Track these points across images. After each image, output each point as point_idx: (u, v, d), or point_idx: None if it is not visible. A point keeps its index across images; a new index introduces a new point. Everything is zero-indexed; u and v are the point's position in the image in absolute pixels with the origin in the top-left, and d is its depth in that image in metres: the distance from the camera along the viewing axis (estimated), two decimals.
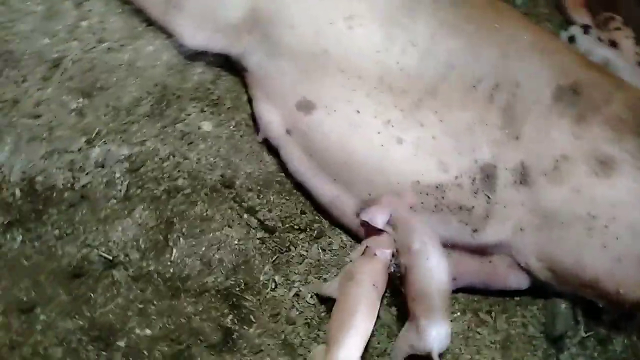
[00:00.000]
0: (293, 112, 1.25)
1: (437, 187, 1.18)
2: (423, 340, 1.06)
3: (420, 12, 1.25)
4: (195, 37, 1.38)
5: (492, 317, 1.28)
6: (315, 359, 1.10)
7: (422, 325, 1.06)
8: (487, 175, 1.19)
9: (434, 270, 1.10)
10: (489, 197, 1.19)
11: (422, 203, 1.18)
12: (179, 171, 1.31)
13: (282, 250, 1.25)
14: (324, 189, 1.26)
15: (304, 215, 1.32)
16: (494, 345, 1.24)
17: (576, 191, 1.16)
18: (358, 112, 1.21)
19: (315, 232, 1.30)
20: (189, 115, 1.41)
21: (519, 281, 1.29)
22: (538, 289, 1.31)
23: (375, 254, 1.14)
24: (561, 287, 1.26)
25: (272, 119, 1.30)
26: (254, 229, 1.27)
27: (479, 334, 1.27)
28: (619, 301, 1.17)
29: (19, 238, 1.14)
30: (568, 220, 1.17)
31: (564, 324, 1.29)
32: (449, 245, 1.22)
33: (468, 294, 1.29)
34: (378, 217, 1.16)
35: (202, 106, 1.43)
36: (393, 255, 1.15)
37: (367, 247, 1.15)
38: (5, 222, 1.15)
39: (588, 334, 1.25)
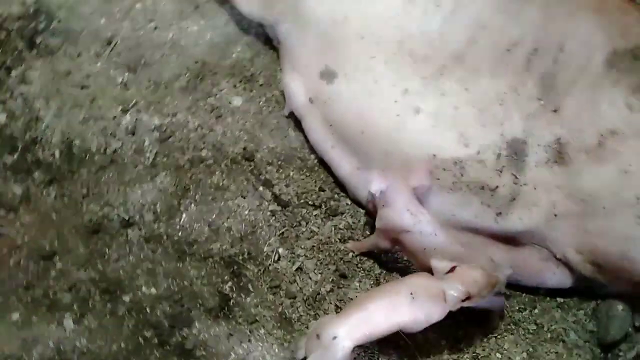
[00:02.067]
0: (316, 82, 1.22)
1: (455, 162, 1.06)
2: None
3: None
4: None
5: (521, 317, 1.14)
6: (320, 324, 1.04)
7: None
8: (515, 152, 1.04)
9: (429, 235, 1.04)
10: (516, 177, 1.04)
11: (438, 179, 1.08)
12: (204, 142, 1.34)
13: (292, 224, 1.22)
14: (343, 161, 1.21)
15: (322, 193, 1.28)
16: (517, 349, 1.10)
17: (624, 172, 0.99)
18: (376, 81, 1.14)
19: (332, 210, 1.25)
20: (222, 90, 1.44)
21: (559, 278, 1.13)
22: (588, 290, 1.14)
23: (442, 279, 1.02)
24: (611, 285, 1.09)
25: (297, 89, 1.28)
26: (267, 201, 1.26)
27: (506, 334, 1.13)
28: None
29: (53, 194, 1.25)
30: (613, 205, 1.00)
31: (619, 329, 1.10)
32: (471, 230, 1.10)
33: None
34: (374, 184, 1.08)
35: (235, 82, 1.46)
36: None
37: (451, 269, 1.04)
38: (46, 180, 1.27)
39: None
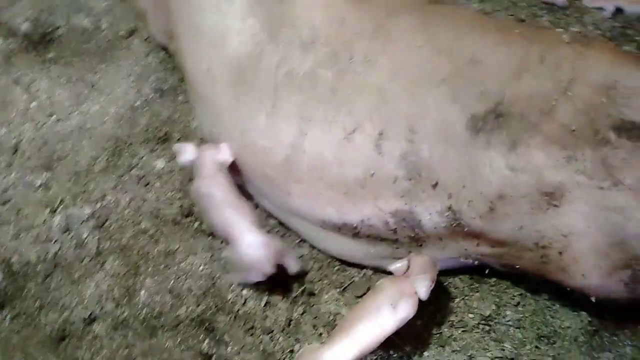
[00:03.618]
0: None
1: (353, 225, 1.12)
2: None
3: None
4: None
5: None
6: (304, 354, 1.08)
7: None
8: (404, 219, 1.07)
9: None
10: (416, 234, 1.08)
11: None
12: (140, 215, 1.35)
13: None
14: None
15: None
16: None
17: (519, 227, 1.00)
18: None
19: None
20: (142, 158, 1.45)
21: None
22: None
23: (407, 277, 1.07)
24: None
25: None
26: (218, 249, 1.28)
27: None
28: None
29: (8, 317, 1.23)
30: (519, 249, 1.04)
31: None
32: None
33: None
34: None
35: (153, 146, 1.46)
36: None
37: (408, 266, 1.09)
38: None
39: None
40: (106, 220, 1.35)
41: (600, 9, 1.72)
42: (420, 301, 1.04)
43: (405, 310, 1.03)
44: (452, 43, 1.04)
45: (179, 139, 1.47)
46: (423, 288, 1.05)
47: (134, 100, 1.55)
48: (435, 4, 1.14)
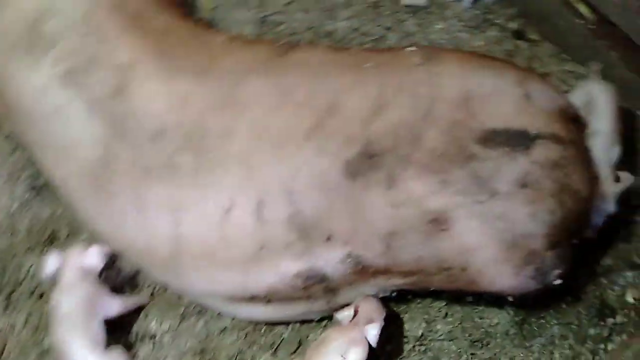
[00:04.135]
0: None
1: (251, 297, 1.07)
2: None
3: None
4: None
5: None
6: None
7: None
8: (308, 276, 1.03)
9: None
10: (327, 286, 1.05)
11: None
12: (41, 332, 1.22)
13: None
14: None
15: None
16: None
17: (418, 258, 1.00)
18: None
19: None
20: (31, 267, 1.32)
21: None
22: None
23: (354, 324, 1.03)
24: None
25: None
26: None
27: None
28: None
29: None
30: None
31: None
32: None
33: None
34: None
35: (40, 250, 1.34)
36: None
37: (354, 314, 1.05)
38: None
39: None
40: (3, 350, 1.22)
41: (459, 0, 1.80)
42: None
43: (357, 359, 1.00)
44: (308, 95, 1.02)
45: (67, 236, 1.36)
46: (373, 333, 1.02)
47: (8, 205, 1.42)
48: (286, 52, 1.10)
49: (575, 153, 1.00)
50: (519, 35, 1.70)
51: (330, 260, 1.01)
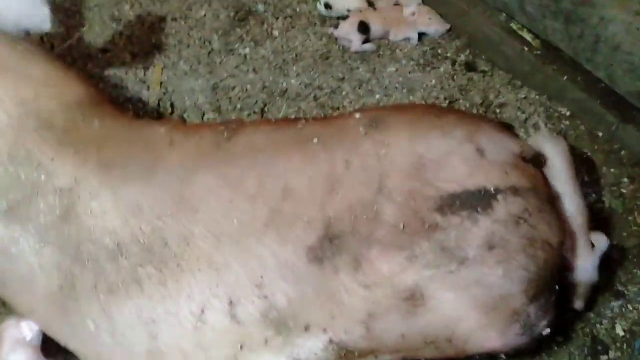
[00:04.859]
0: None
1: None
2: None
3: None
4: None
5: None
6: None
7: None
8: None
9: None
10: None
11: None
12: None
13: None
14: None
15: None
16: None
17: (401, 336, 0.96)
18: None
19: None
20: None
21: None
22: None
23: None
24: None
25: None
26: None
27: None
28: None
29: None
30: None
31: None
32: None
33: None
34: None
35: None
36: None
37: None
38: None
39: None
40: None
41: (407, 39, 1.80)
42: None
43: None
44: (259, 183, 0.99)
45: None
46: None
47: None
48: (230, 138, 1.07)
49: (538, 200, 0.98)
50: (470, 67, 1.71)
51: (312, 348, 0.97)
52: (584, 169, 1.41)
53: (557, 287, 1.02)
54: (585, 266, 1.07)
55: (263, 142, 1.05)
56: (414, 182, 0.94)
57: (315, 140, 1.02)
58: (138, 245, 0.99)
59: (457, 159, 0.96)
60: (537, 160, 1.09)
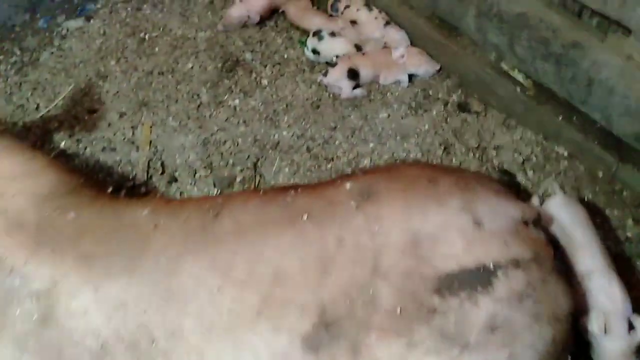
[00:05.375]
0: None
1: None
2: None
3: None
4: None
5: None
6: None
7: None
8: None
9: None
10: None
11: None
12: None
13: None
14: None
15: None
16: None
17: None
18: None
19: None
20: None
21: None
22: None
23: None
24: None
25: None
26: None
27: None
28: None
29: None
30: None
31: None
32: None
33: None
34: None
35: None
36: None
37: None
38: None
39: None
40: None
41: (397, 82, 1.78)
42: None
43: None
44: (248, 268, 0.95)
45: None
46: None
47: None
48: (216, 216, 1.03)
49: (541, 272, 0.94)
50: (463, 107, 1.68)
51: None
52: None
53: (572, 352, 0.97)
54: (614, 348, 1.01)
55: (251, 221, 1.01)
56: (410, 261, 0.90)
57: (305, 216, 0.98)
58: (124, 344, 0.94)
59: (454, 232, 0.93)
60: (539, 221, 1.05)
